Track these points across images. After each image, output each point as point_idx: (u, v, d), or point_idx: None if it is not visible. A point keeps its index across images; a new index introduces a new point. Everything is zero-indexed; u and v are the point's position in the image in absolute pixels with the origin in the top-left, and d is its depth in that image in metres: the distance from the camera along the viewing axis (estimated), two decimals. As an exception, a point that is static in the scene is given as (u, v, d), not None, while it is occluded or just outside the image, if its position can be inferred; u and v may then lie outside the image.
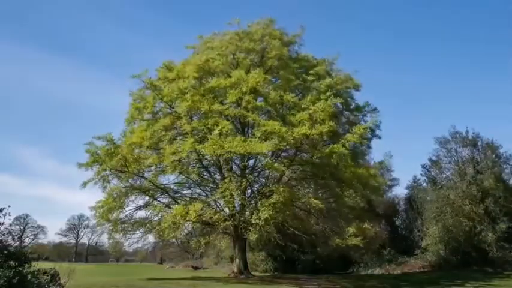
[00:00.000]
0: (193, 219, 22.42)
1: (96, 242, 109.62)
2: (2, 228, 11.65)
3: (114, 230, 26.61)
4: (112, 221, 26.22)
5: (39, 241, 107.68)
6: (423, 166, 38.70)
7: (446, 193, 33.17)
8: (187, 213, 22.12)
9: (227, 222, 23.34)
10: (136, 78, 26.69)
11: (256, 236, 23.65)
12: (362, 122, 28.52)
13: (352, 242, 23.78)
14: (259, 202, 26.95)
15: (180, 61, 28.88)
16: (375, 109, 29.62)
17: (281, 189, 23.65)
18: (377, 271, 34.77)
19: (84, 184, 25.83)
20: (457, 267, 31.47)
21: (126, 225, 27.10)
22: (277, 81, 28.09)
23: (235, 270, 27.45)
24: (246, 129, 27.68)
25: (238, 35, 27.51)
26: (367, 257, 36.26)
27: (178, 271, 41.23)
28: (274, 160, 25.00)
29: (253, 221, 22.26)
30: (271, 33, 27.50)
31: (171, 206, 27.69)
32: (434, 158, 37.18)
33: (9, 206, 11.49)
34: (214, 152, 21.89)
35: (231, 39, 27.29)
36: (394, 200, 44.10)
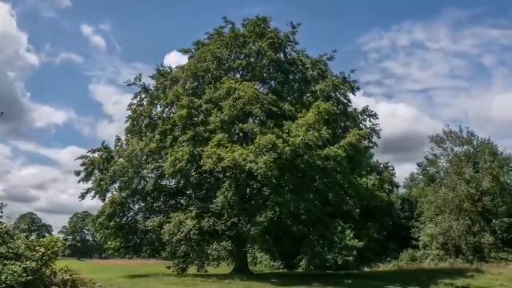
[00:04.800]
0: (193, 224, 23.18)
1: (100, 240, 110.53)
2: (8, 227, 12.41)
3: (115, 235, 27.88)
4: (113, 227, 27.30)
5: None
6: (419, 164, 38.99)
7: (443, 192, 33.44)
8: (186, 219, 22.95)
9: (228, 222, 23.78)
10: (133, 85, 28.14)
11: (256, 235, 24.05)
12: (361, 126, 28.59)
13: (351, 242, 24.19)
14: (259, 202, 27.38)
15: (176, 62, 29.56)
16: (374, 114, 29.25)
17: (281, 190, 24.04)
18: (376, 269, 35.16)
19: (83, 196, 27.56)
20: (454, 265, 31.79)
21: (127, 228, 27.93)
22: (273, 84, 28.29)
23: (236, 269, 27.88)
24: (244, 136, 27.62)
25: (232, 38, 27.52)
26: (365, 255, 36.63)
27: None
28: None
29: (253, 221, 22.72)
30: (265, 34, 27.48)
31: (173, 206, 28.24)
32: (430, 156, 37.45)
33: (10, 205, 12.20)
34: (213, 164, 22.38)
35: (226, 44, 27.39)
36: (392, 199, 44.33)
